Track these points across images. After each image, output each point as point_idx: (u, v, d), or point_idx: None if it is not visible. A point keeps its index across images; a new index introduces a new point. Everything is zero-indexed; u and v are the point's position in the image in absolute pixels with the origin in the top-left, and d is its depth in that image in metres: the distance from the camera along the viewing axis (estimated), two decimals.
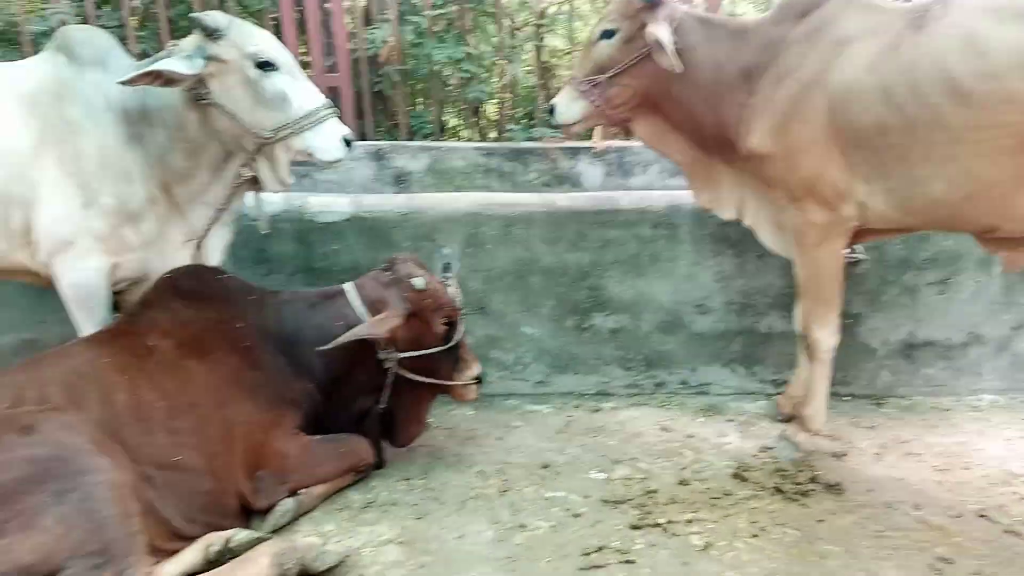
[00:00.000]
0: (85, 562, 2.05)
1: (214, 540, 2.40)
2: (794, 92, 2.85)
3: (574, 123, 3.25)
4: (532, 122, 4.81)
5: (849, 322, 3.53)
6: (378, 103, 4.76)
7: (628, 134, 3.86)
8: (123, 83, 2.62)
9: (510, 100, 4.87)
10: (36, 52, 3.66)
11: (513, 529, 2.68)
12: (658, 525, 2.68)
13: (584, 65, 3.21)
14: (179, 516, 2.42)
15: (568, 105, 3.22)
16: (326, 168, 3.13)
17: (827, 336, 3.06)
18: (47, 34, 4.20)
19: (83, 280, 2.83)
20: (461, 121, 5.42)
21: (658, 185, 4.50)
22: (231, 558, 2.36)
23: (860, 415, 3.58)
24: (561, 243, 3.67)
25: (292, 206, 3.61)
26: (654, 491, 2.91)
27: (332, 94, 3.06)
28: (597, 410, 3.68)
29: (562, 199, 3.72)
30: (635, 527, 2.67)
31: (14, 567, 1.99)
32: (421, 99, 5.30)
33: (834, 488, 2.90)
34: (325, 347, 2.72)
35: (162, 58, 2.66)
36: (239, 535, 2.41)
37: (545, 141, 4.52)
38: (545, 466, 3.11)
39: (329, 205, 3.63)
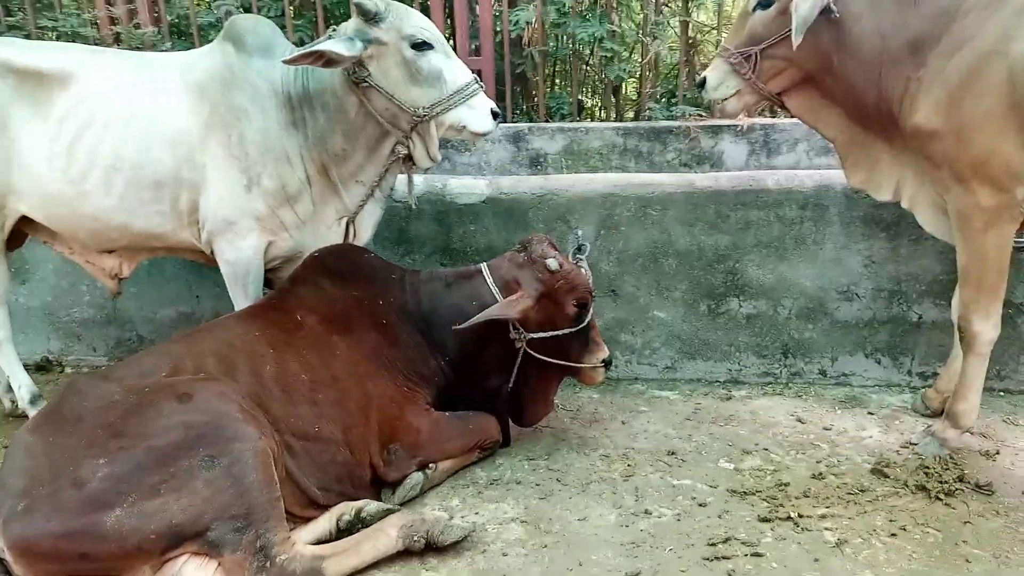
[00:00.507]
0: (229, 524, 2.21)
1: (346, 510, 2.53)
2: (969, 64, 2.62)
3: (725, 98, 3.11)
4: (673, 101, 4.68)
5: (1009, 312, 3.24)
6: (516, 85, 4.78)
7: (775, 110, 3.68)
8: (287, 62, 2.76)
9: (651, 78, 4.75)
10: (204, 43, 3.95)
11: (637, 515, 2.67)
12: (789, 519, 2.60)
13: (737, 36, 3.06)
14: (315, 485, 2.56)
15: (720, 79, 3.06)
16: (475, 142, 3.22)
17: (989, 329, 2.82)
18: (214, 25, 4.50)
19: (240, 258, 3.03)
20: (599, 101, 5.36)
21: (805, 164, 4.28)
22: (362, 528, 2.48)
23: (1015, 412, 3.31)
24: (699, 225, 3.57)
25: (432, 188, 3.71)
26: (785, 484, 2.81)
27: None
28: (728, 398, 3.58)
29: (702, 179, 3.61)
30: (764, 520, 2.60)
31: (166, 526, 2.16)
32: (559, 80, 5.28)
33: (983, 488, 2.71)
34: (460, 327, 2.78)
35: (324, 40, 2.79)
36: (370, 506, 2.53)
37: (686, 120, 4.40)
38: (671, 453, 3.07)
39: (468, 187, 3.70)
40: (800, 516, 2.61)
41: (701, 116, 4.47)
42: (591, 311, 3.01)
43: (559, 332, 2.93)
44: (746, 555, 2.42)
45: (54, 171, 2.99)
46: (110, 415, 2.28)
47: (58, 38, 4.34)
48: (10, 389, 3.54)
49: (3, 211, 3.16)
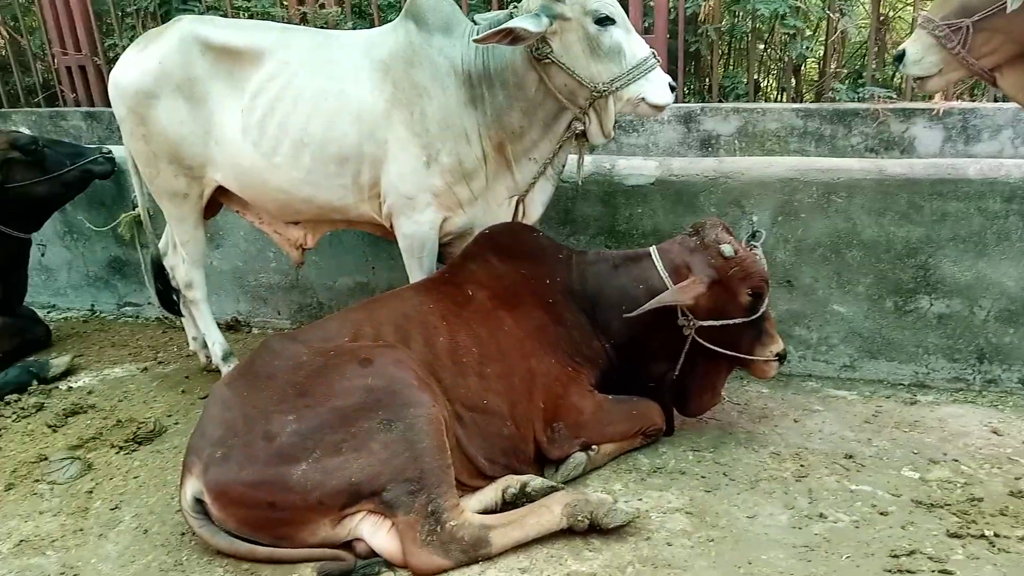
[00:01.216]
0: (403, 487, 2.29)
1: (512, 483, 2.56)
2: None
3: (928, 75, 2.83)
4: (860, 81, 4.37)
5: None
6: (689, 64, 4.63)
7: (975, 92, 3.35)
8: (478, 41, 2.81)
9: (836, 57, 4.46)
10: (383, 23, 4.08)
11: (811, 518, 2.53)
12: (983, 536, 2.39)
13: (943, 6, 2.77)
14: (482, 456, 2.61)
15: (921, 52, 2.76)
16: (651, 117, 3.15)
17: None
18: (392, 5, 4.64)
19: (417, 232, 3.12)
20: (775, 82, 5.10)
21: (1009, 154, 3.89)
22: (526, 502, 2.51)
23: None
24: (888, 215, 3.32)
25: (600, 168, 3.66)
26: (979, 499, 2.59)
27: None
28: (912, 402, 3.32)
29: (894, 166, 3.36)
30: (954, 535, 2.40)
31: (346, 483, 2.28)
32: (734, 59, 5.07)
33: None
34: (630, 314, 2.74)
35: (509, 18, 2.81)
36: (535, 481, 2.55)
37: (874, 102, 4.10)
38: (848, 456, 2.89)
39: (637, 168, 3.62)
40: (996, 535, 2.39)
41: (891, 98, 4.15)
42: (766, 301, 2.88)
43: (731, 321, 2.82)
44: (933, 571, 2.25)
45: (247, 144, 3.17)
46: (298, 374, 2.42)
47: (250, 17, 4.62)
48: (205, 345, 3.84)
49: (201, 181, 3.40)
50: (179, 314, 3.93)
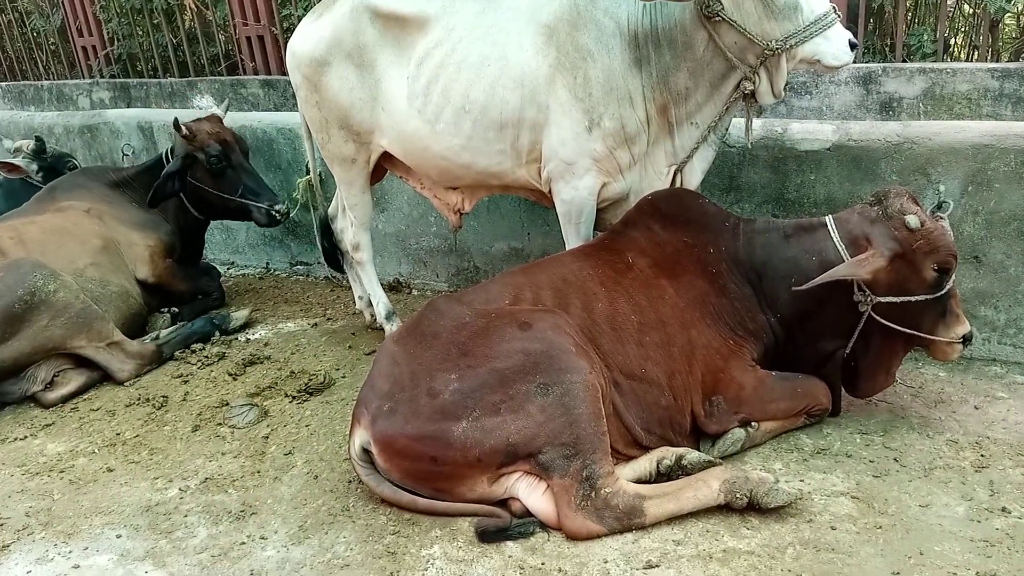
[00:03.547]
0: (558, 451, 2.32)
1: (667, 455, 2.53)
2: None
3: None
4: None
5: None
6: (869, 21, 4.31)
7: None
8: None
9: None
10: None
11: (992, 511, 2.36)
12: None
13: None
14: (638, 425, 2.58)
15: None
16: (828, 75, 2.98)
17: None
18: None
19: (576, 197, 3.09)
20: (968, 39, 4.66)
21: None
22: (681, 475, 2.47)
23: None
24: None
25: (771, 132, 3.49)
26: None
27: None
28: None
29: None
30: None
31: (503, 443, 2.33)
32: (921, 15, 4.67)
33: None
34: (800, 287, 2.61)
35: None
36: (691, 455, 2.50)
37: None
38: None
39: (812, 132, 3.42)
40: None
41: None
42: (952, 278, 2.66)
43: (912, 298, 2.63)
44: None
45: (412, 110, 3.24)
46: (461, 335, 2.48)
47: None
48: (370, 304, 4.01)
49: (369, 146, 3.52)
50: (343, 272, 4.12)
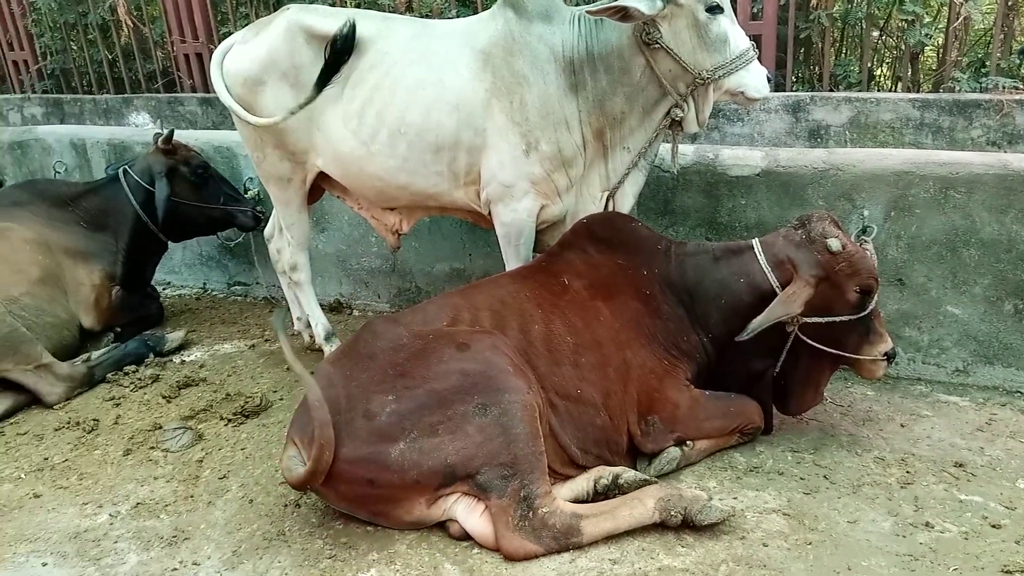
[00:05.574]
0: (496, 472, 2.32)
1: (604, 474, 2.55)
2: None
3: None
4: (983, 71, 4.12)
5: None
6: (798, 51, 4.47)
7: None
8: (591, 13, 2.81)
9: (957, 45, 4.22)
10: (485, 7, 4.10)
11: (916, 526, 2.44)
12: None
13: None
14: (574, 444, 2.61)
15: None
16: (748, 108, 3.13)
17: None
18: None
19: (515, 220, 3.13)
20: (889, 70, 4.87)
21: None
22: (618, 494, 2.50)
23: None
24: (1012, 212, 3.13)
25: (703, 158, 3.59)
26: None
27: (754, 41, 2.99)
28: None
29: (1019, 160, 3.16)
30: None
31: (441, 464, 2.32)
32: (846, 46, 4.86)
33: None
34: (741, 337, 2.67)
35: None
36: (627, 474, 2.53)
37: (999, 92, 3.86)
38: (958, 465, 2.76)
39: (743, 158, 3.53)
40: None
41: (1017, 88, 3.90)
42: (875, 299, 2.76)
43: (837, 318, 2.73)
44: None
45: (347, 131, 3.24)
46: (399, 356, 2.47)
47: (358, 5, 4.72)
48: (308, 325, 3.97)
49: (304, 166, 3.50)
50: None
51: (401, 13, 4.41)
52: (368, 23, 3.26)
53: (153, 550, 2.51)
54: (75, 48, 5.81)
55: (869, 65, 4.38)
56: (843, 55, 4.71)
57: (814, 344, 2.74)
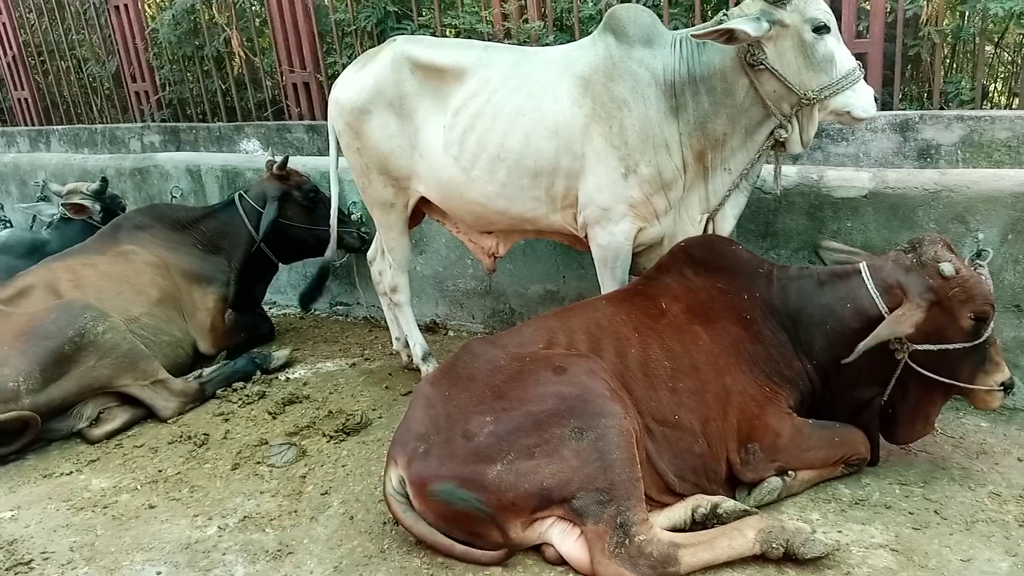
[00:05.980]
0: (593, 496, 2.31)
1: (702, 503, 2.51)
2: None
3: None
4: None
5: None
6: (906, 69, 4.32)
7: None
8: (696, 36, 2.83)
9: None
10: (584, 34, 4.14)
11: None
12: None
13: None
14: (672, 472, 2.57)
15: None
16: (854, 127, 3.06)
17: None
18: (593, 18, 4.69)
19: (612, 242, 3.14)
20: (1003, 87, 4.64)
21: None
22: (716, 523, 2.45)
23: None
24: None
25: (807, 179, 3.51)
26: None
27: (859, 60, 2.93)
28: None
29: None
30: None
31: (538, 487, 2.33)
32: (958, 63, 4.66)
33: None
34: (848, 360, 2.60)
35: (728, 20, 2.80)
36: (726, 503, 2.49)
37: None
38: None
39: (848, 179, 3.43)
40: None
41: None
42: (991, 326, 2.63)
43: (949, 346, 2.61)
44: None
45: (448, 157, 3.33)
46: (496, 377, 2.51)
47: (457, 34, 4.84)
48: (407, 345, 4.07)
49: (407, 191, 3.61)
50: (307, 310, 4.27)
51: (500, 41, 4.50)
52: (469, 52, 3.35)
53: (259, 563, 2.61)
54: (191, 79, 6.17)
55: (983, 81, 4.20)
56: (954, 72, 4.53)
57: (925, 372, 2.63)
